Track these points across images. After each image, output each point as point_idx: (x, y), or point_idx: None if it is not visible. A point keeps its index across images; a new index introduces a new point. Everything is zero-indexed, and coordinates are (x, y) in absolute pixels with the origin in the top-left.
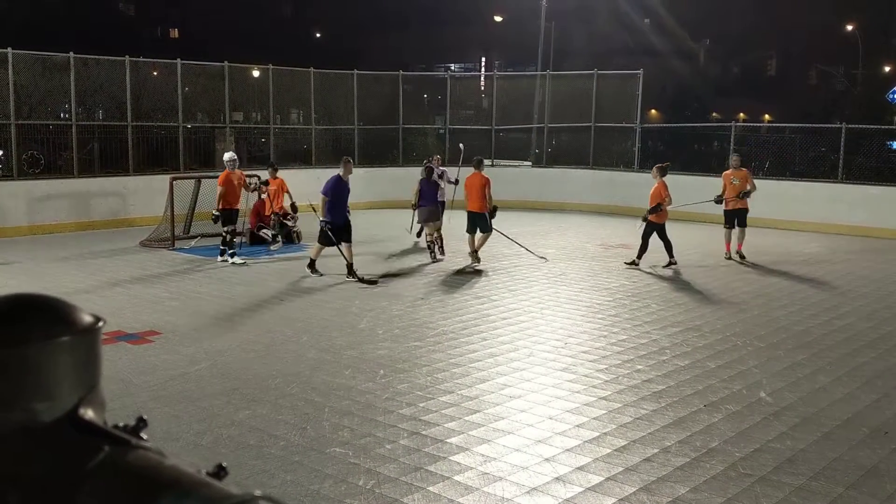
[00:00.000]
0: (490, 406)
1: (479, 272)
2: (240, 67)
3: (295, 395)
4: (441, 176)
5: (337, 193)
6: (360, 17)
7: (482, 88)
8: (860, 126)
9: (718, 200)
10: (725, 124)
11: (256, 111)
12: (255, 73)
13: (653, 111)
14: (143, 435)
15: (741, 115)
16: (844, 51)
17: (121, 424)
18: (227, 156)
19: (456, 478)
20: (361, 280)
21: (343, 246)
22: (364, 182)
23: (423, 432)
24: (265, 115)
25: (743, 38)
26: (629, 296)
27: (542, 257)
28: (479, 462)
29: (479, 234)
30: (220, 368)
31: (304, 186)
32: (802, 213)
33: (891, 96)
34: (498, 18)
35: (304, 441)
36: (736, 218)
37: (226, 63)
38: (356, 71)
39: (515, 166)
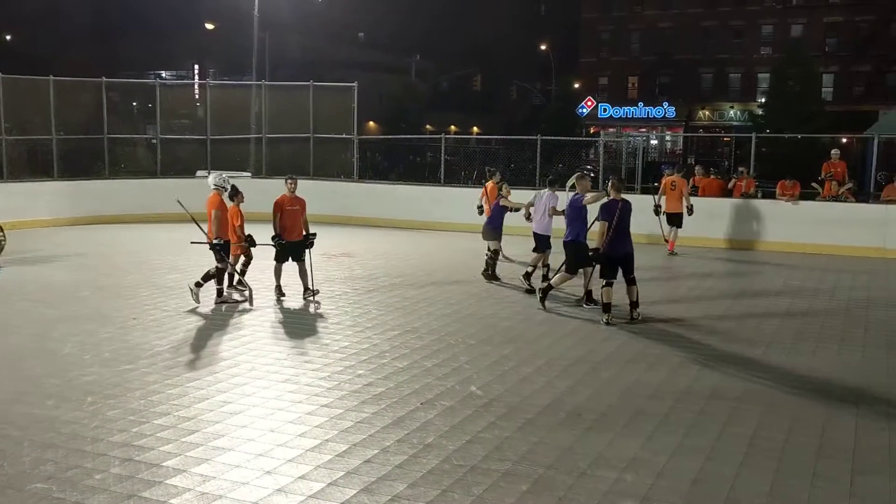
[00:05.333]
0: (209, 424)
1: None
2: None
3: None
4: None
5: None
6: (61, 22)
7: (197, 97)
8: (554, 137)
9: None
10: (437, 136)
11: None
12: None
13: (371, 123)
14: None
15: (452, 127)
16: (540, 69)
17: None
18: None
19: (172, 501)
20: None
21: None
22: (66, 197)
23: (137, 458)
24: None
25: (450, 54)
26: (351, 303)
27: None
28: (197, 483)
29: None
30: None
31: None
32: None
33: (580, 110)
34: (210, 26)
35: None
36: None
37: None
38: (52, 77)
39: (234, 177)
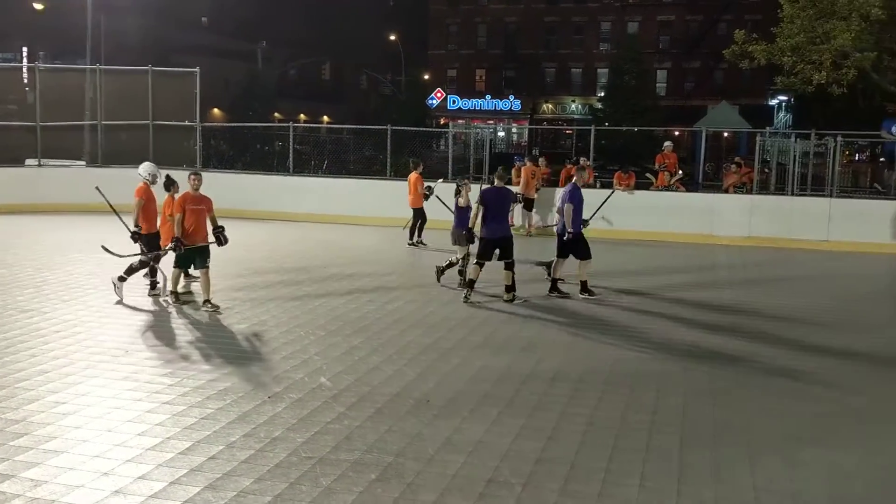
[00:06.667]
0: (39, 427)
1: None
2: None
3: None
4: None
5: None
6: None
7: (26, 82)
8: (405, 128)
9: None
10: (285, 124)
11: None
12: None
13: (216, 110)
14: None
15: (301, 115)
16: (390, 59)
17: None
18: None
19: None
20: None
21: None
22: None
23: None
24: None
25: (297, 42)
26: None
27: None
28: (27, 488)
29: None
30: None
31: None
32: (356, 208)
33: (430, 102)
34: (38, 6)
35: None
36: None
37: None
38: None
39: (67, 166)
